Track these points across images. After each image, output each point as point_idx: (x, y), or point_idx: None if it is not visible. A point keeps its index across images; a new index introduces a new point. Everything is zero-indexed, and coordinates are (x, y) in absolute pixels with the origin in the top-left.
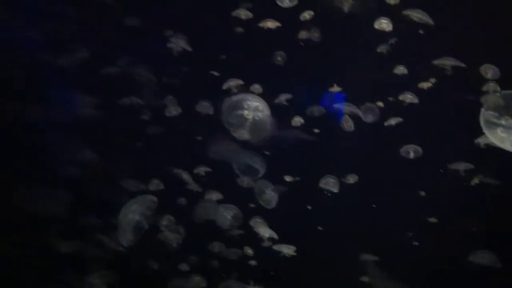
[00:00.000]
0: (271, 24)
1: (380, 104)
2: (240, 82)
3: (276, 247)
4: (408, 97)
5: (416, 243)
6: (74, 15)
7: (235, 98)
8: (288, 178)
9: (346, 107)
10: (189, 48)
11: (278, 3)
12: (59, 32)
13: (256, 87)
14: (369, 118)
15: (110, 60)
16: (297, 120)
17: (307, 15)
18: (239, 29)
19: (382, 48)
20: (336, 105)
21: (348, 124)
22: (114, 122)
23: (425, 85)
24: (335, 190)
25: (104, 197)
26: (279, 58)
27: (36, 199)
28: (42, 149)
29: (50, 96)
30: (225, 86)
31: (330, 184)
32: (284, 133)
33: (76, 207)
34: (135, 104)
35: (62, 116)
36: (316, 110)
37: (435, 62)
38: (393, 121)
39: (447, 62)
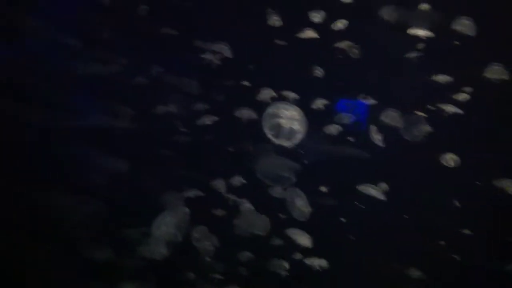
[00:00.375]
0: (310, 34)
1: (419, 113)
2: (274, 92)
3: (308, 261)
4: (448, 107)
5: (450, 255)
6: (108, 23)
7: (270, 107)
8: (323, 189)
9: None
10: (229, 55)
11: (311, 18)
12: (93, 40)
13: (292, 95)
14: (405, 128)
15: (144, 69)
16: (333, 129)
17: (340, 24)
18: (274, 39)
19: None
20: (365, 114)
21: (378, 135)
22: (148, 132)
23: (462, 96)
24: (381, 197)
25: (137, 207)
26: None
27: (69, 207)
28: (74, 158)
29: (81, 105)
30: (260, 96)
31: (372, 192)
32: (318, 142)
33: (110, 217)
34: (168, 113)
35: (94, 125)
36: (348, 118)
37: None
38: (428, 129)
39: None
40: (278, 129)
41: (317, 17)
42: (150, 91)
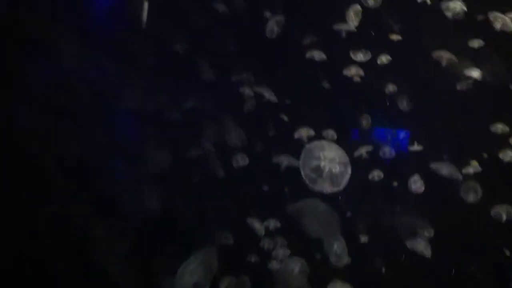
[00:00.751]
0: (355, 71)
1: (474, 164)
2: (312, 131)
3: None
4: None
5: None
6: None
7: (309, 148)
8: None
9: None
10: (274, 99)
11: (352, 57)
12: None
13: (331, 133)
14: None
15: (178, 103)
16: (376, 174)
17: (384, 59)
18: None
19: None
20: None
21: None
22: (182, 167)
23: None
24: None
25: (166, 242)
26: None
27: (102, 236)
28: (110, 189)
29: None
30: (296, 135)
31: (420, 246)
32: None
33: (140, 250)
34: (203, 151)
35: (130, 155)
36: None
37: None
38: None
39: None
40: (317, 173)
41: (360, 55)
42: (185, 126)
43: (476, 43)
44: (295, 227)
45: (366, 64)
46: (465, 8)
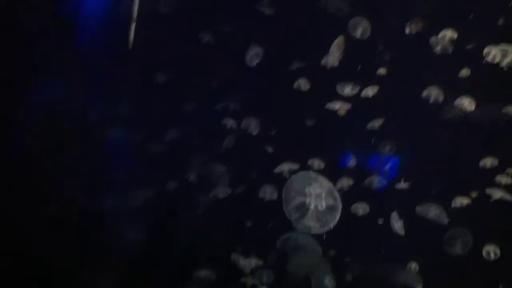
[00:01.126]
0: (343, 106)
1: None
2: (295, 164)
3: None
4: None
5: None
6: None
7: (292, 182)
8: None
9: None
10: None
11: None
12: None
13: (317, 163)
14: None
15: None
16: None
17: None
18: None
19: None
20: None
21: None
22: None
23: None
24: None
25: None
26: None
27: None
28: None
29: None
30: (278, 169)
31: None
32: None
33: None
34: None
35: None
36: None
37: None
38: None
39: None
40: (303, 210)
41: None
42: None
43: (465, 73)
44: (281, 264)
45: (352, 97)
46: (455, 37)
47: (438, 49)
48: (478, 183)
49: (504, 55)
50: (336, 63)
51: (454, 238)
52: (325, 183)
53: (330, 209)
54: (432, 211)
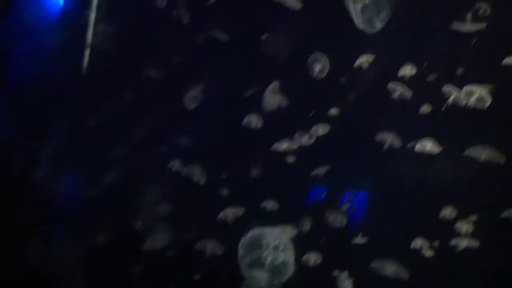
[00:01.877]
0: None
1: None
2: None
3: None
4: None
5: None
6: None
7: (248, 235)
8: None
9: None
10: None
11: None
12: None
13: (271, 204)
14: None
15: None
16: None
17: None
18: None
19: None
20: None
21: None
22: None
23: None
24: None
25: None
26: None
27: None
28: None
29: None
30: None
31: None
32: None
33: None
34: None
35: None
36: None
37: None
38: None
39: None
40: (259, 263)
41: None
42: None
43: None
44: None
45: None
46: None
47: (398, 91)
48: (440, 233)
49: (469, 95)
50: (274, 108)
51: None
52: (283, 231)
53: (287, 262)
54: (389, 267)
